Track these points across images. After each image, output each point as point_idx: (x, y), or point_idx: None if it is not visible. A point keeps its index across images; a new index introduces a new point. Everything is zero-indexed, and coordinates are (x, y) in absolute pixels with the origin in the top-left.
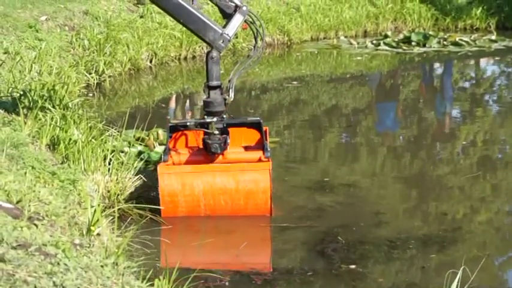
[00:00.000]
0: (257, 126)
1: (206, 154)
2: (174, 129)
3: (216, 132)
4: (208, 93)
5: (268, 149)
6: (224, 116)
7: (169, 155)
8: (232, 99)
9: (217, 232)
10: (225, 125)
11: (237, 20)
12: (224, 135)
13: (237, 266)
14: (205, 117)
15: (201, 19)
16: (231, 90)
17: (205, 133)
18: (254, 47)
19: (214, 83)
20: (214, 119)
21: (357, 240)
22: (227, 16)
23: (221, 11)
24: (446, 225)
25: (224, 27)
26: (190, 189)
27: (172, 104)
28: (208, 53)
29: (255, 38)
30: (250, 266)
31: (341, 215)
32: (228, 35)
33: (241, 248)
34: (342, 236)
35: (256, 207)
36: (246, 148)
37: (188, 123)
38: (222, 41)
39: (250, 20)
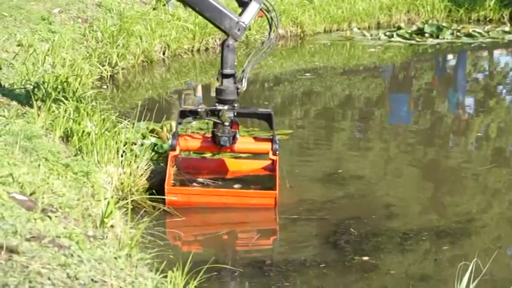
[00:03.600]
0: (268, 117)
1: (214, 143)
2: (184, 115)
3: (227, 123)
4: (222, 81)
5: (277, 141)
6: (235, 105)
7: (177, 141)
8: (244, 89)
9: (229, 224)
10: (235, 114)
11: (253, 8)
12: (234, 130)
13: (249, 258)
14: (217, 104)
15: (216, 7)
16: (244, 79)
17: (214, 124)
18: (269, 34)
19: (228, 71)
20: (226, 107)
21: (369, 232)
22: (243, 4)
23: None
24: (459, 217)
25: (240, 15)
26: (195, 205)
27: (199, 92)
28: (224, 41)
29: (270, 26)
30: (263, 258)
31: (353, 207)
32: (244, 23)
33: (254, 240)
34: (354, 228)
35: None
36: (255, 138)
37: (199, 110)
38: (238, 29)
39: (266, 8)
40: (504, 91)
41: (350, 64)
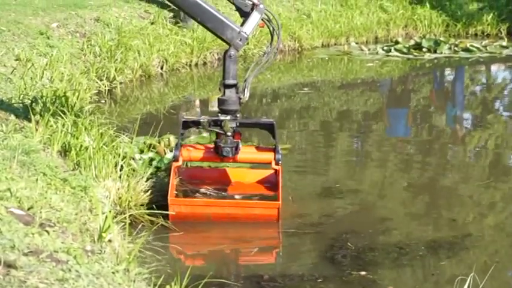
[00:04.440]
0: (270, 127)
1: (217, 153)
2: (186, 125)
3: (229, 133)
4: (224, 92)
5: (280, 152)
6: (238, 115)
7: (179, 151)
8: (247, 99)
9: (226, 238)
10: (238, 124)
11: (254, 18)
12: (236, 140)
13: (247, 272)
14: (219, 115)
15: (218, 17)
16: (246, 89)
17: (217, 135)
18: (271, 44)
19: (230, 81)
20: (228, 117)
21: (366, 247)
22: (244, 15)
23: (238, 9)
24: (457, 232)
25: (241, 25)
26: (199, 215)
27: (198, 106)
28: (226, 52)
29: (272, 36)
30: (260, 272)
31: (350, 221)
32: (245, 33)
33: (251, 254)
34: (351, 243)
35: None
36: (258, 148)
37: (201, 120)
38: (239, 39)
39: (267, 18)
40: (502, 105)
41: (348, 78)
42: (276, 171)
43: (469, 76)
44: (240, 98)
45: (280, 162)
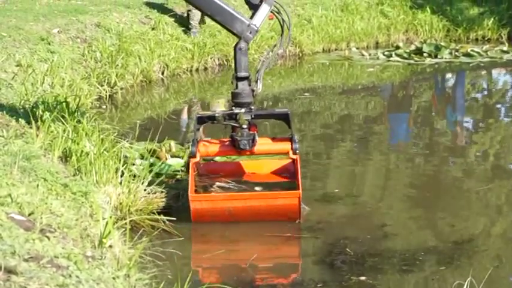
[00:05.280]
0: (285, 117)
1: (233, 146)
2: (201, 121)
3: (245, 126)
4: (236, 85)
5: (296, 141)
6: (252, 108)
7: (196, 147)
8: (260, 90)
9: (225, 243)
10: (253, 116)
11: (264, 10)
12: (252, 132)
13: (247, 277)
14: (233, 108)
15: (227, 11)
16: (259, 81)
17: (233, 129)
18: (281, 36)
19: (242, 73)
20: (242, 110)
21: (366, 252)
22: (253, 7)
23: (247, 2)
24: (456, 237)
25: (251, 18)
26: (220, 210)
27: (185, 115)
28: (236, 45)
29: (282, 28)
30: (260, 277)
31: (350, 226)
32: (255, 25)
33: (251, 259)
34: (350, 248)
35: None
36: (274, 138)
37: (216, 115)
38: (249, 31)
39: (276, 10)
40: (502, 110)
41: (349, 83)
42: (294, 160)
43: (470, 81)
44: (253, 90)
45: (297, 151)
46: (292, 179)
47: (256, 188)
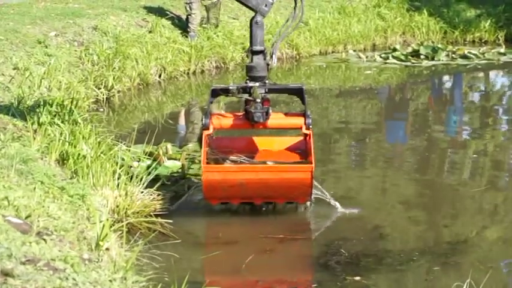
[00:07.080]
0: (299, 92)
1: (247, 119)
2: (215, 94)
3: (259, 100)
4: (252, 58)
5: (310, 116)
6: (266, 82)
7: (210, 120)
8: (275, 64)
9: (220, 244)
10: (267, 90)
11: None
12: (266, 106)
13: (243, 279)
14: (248, 81)
15: None
16: (274, 55)
17: (246, 102)
18: (294, 9)
19: (258, 47)
20: (257, 84)
21: (360, 253)
22: None
23: None
24: (451, 238)
25: None
26: (232, 182)
27: (182, 120)
28: (252, 18)
29: (295, 2)
30: (256, 278)
31: (344, 227)
32: None
33: (247, 260)
34: (344, 249)
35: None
36: (287, 113)
37: (230, 88)
38: (265, 5)
39: None
40: (500, 112)
41: (346, 86)
42: (307, 135)
43: (467, 83)
44: (268, 64)
45: (310, 126)
46: (304, 157)
47: (269, 162)
